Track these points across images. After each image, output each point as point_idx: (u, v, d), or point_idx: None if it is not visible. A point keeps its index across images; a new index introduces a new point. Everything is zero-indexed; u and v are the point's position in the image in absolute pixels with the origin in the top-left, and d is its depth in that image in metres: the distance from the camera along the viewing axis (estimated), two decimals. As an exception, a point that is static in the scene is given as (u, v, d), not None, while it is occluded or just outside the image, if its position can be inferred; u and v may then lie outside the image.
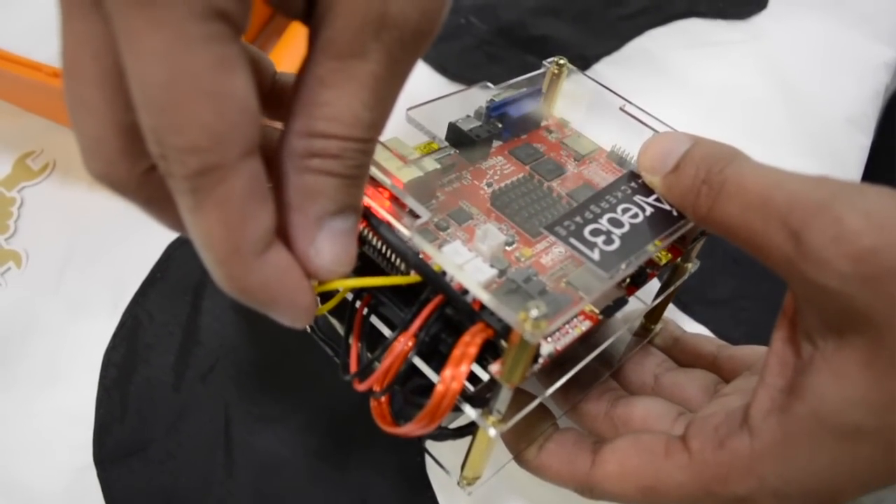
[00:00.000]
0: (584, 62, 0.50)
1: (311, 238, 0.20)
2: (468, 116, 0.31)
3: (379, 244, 0.24)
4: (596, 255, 0.23)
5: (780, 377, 0.24)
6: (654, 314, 0.33)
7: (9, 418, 0.34)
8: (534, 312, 0.19)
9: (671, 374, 0.31)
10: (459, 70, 0.49)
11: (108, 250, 0.40)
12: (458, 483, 0.27)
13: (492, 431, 0.23)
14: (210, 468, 0.33)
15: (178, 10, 0.16)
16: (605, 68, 0.50)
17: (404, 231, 0.23)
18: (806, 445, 0.23)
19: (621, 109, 0.32)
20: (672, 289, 0.32)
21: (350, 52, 0.19)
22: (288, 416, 0.35)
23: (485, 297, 0.21)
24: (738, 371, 0.30)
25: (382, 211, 0.23)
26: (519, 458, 0.28)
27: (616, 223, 0.25)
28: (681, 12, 0.52)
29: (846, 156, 0.47)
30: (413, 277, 0.23)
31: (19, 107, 0.44)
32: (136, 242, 0.39)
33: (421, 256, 0.23)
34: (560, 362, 0.27)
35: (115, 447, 0.33)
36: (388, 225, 0.23)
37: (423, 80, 0.48)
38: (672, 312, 0.39)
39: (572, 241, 0.24)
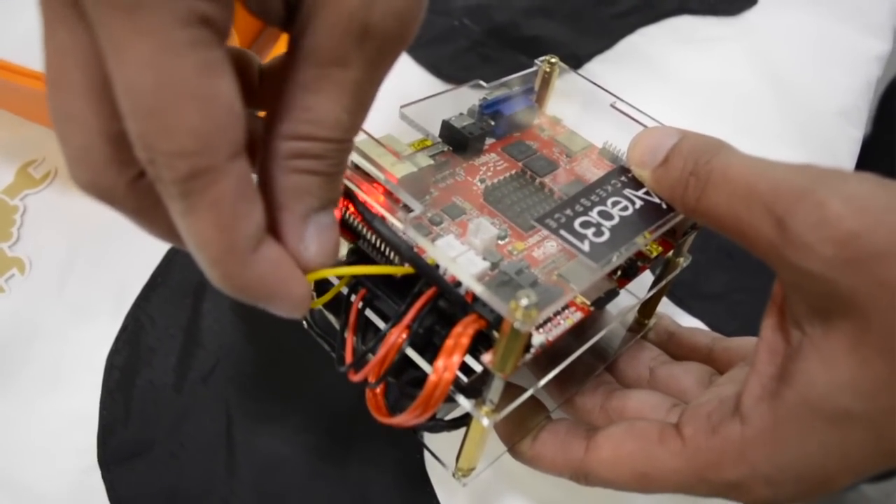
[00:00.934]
0: (576, 61, 0.50)
1: (299, 234, 0.21)
2: (461, 114, 0.32)
3: (373, 238, 0.24)
4: (586, 247, 0.24)
5: (771, 364, 0.24)
6: (647, 308, 0.34)
7: (14, 422, 0.35)
8: (524, 301, 0.20)
9: (666, 367, 0.31)
10: (453, 71, 0.49)
11: (109, 255, 0.40)
12: (454, 475, 0.27)
13: (485, 421, 0.24)
14: (213, 468, 0.33)
15: (162, 17, 0.17)
16: (597, 66, 0.50)
17: (398, 224, 0.23)
18: (796, 431, 0.23)
19: (612, 106, 0.32)
20: (664, 283, 0.32)
21: (333, 59, 0.20)
22: (288, 416, 0.35)
23: (477, 288, 0.21)
24: (734, 363, 0.30)
25: (377, 205, 0.24)
26: (514, 450, 0.29)
27: (606, 216, 0.25)
28: (672, 9, 0.53)
29: (838, 149, 0.48)
30: (406, 269, 0.23)
31: (21, 116, 0.44)
32: (137, 247, 0.40)
33: (415, 250, 0.23)
34: (553, 355, 0.27)
35: (118, 449, 0.34)
36: (382, 219, 0.23)
37: (417, 82, 0.49)
38: (667, 307, 0.40)
39: (563, 233, 0.24)
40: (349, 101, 0.20)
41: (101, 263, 0.40)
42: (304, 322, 0.31)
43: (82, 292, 0.39)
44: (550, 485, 0.29)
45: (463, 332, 0.22)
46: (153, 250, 0.40)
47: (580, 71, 0.49)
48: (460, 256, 0.23)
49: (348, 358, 0.25)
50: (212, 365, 0.36)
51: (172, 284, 0.39)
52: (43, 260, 0.40)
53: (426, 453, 0.34)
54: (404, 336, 0.23)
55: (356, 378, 0.24)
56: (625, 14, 0.52)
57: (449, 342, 0.22)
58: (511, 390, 0.26)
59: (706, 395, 0.28)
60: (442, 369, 0.22)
